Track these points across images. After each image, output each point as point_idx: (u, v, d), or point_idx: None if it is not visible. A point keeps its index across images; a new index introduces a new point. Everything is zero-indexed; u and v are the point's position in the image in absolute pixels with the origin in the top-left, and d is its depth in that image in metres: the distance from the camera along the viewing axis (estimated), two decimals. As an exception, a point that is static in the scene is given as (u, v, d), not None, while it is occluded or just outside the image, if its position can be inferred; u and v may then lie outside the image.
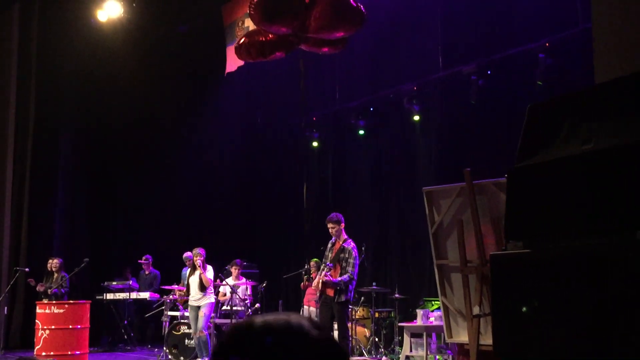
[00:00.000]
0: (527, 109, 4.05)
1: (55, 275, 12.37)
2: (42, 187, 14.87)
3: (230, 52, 13.95)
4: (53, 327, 9.30)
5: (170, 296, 11.70)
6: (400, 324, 9.63)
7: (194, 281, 10.59)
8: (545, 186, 3.73)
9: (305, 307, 12.36)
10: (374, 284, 10.70)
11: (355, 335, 10.57)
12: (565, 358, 3.59)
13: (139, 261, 14.64)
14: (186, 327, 11.09)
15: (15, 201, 14.71)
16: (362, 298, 11.33)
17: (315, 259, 12.96)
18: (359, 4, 6.11)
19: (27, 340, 14.05)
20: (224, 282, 11.58)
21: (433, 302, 10.96)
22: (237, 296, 11.24)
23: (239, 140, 17.11)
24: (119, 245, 15.82)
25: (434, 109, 12.90)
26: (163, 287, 12.72)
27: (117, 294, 14.03)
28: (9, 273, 14.32)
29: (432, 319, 7.96)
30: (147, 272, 14.70)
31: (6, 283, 14.25)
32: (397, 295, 11.02)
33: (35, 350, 9.46)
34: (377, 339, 10.80)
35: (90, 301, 10.68)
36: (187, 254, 11.76)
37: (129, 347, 13.63)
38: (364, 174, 14.34)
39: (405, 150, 13.51)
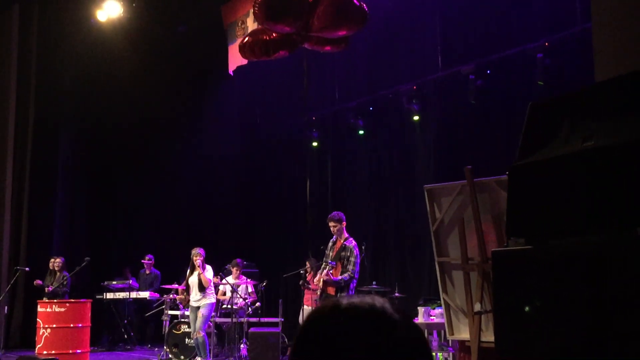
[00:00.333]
0: (528, 107, 4.09)
1: (57, 274, 12.40)
2: (42, 186, 14.91)
3: (231, 52, 14.00)
4: (54, 325, 9.32)
5: (171, 295, 11.72)
6: None
7: (193, 281, 10.59)
8: (546, 183, 3.76)
9: (306, 307, 12.41)
10: (374, 282, 10.72)
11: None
12: (566, 355, 3.63)
13: (143, 261, 14.67)
14: (186, 326, 11.12)
15: (15, 201, 14.75)
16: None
17: (309, 261, 13.03)
18: (362, 3, 6.16)
19: (26, 339, 14.09)
20: (223, 281, 11.61)
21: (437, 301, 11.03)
22: (238, 295, 11.26)
23: (238, 140, 17.15)
24: (118, 245, 15.87)
25: (433, 108, 12.92)
26: (163, 286, 12.74)
27: (117, 294, 14.07)
28: (9, 273, 14.36)
29: (433, 316, 7.99)
30: (147, 272, 14.73)
31: (6, 282, 14.29)
32: (396, 294, 11.05)
33: (36, 349, 9.48)
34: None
35: (91, 300, 10.71)
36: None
37: (128, 347, 13.68)
38: (363, 173, 14.36)
39: (404, 150, 13.53)
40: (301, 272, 12.75)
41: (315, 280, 8.97)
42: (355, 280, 8.89)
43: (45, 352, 9.17)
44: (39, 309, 9.66)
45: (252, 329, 10.73)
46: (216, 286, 12.34)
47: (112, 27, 14.40)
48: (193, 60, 15.98)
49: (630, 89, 3.57)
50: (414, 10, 13.02)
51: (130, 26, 14.46)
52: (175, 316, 11.64)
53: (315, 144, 15.23)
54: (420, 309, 8.07)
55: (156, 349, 13.39)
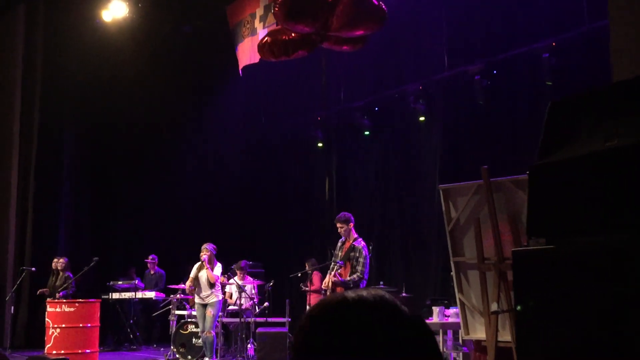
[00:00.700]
0: (547, 106, 4.08)
1: (61, 274, 12.42)
2: (47, 187, 14.92)
3: (238, 54, 13.98)
4: (64, 325, 9.33)
5: (178, 295, 11.72)
6: None
7: (202, 277, 10.53)
8: (568, 183, 3.76)
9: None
10: (381, 282, 10.73)
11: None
12: (588, 355, 3.62)
13: (146, 261, 14.69)
14: (193, 326, 11.11)
15: (20, 201, 14.75)
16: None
17: (308, 262, 13.04)
18: (381, 2, 6.17)
19: (32, 339, 14.10)
20: (231, 281, 11.61)
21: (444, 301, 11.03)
22: (245, 294, 11.25)
23: (242, 140, 17.15)
24: (123, 245, 15.87)
25: (438, 108, 12.93)
26: (170, 286, 12.74)
27: (122, 294, 14.06)
28: (14, 273, 14.38)
29: (448, 316, 7.99)
30: (152, 272, 14.74)
31: (11, 283, 14.30)
32: (404, 294, 11.06)
33: (45, 348, 9.49)
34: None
35: (100, 300, 10.72)
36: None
37: (134, 347, 13.67)
38: (369, 173, 14.36)
39: (410, 150, 13.53)
40: (299, 274, 12.81)
41: (324, 282, 8.95)
42: (364, 281, 8.89)
43: (54, 352, 9.18)
44: (49, 309, 9.67)
45: (259, 329, 10.73)
46: (222, 286, 12.35)
47: (117, 27, 14.40)
48: (198, 60, 16.00)
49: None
50: (420, 10, 13.02)
51: (135, 26, 14.47)
52: (182, 316, 11.64)
53: (320, 144, 15.23)
54: (435, 309, 8.07)
55: (162, 349, 13.39)
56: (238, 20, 13.71)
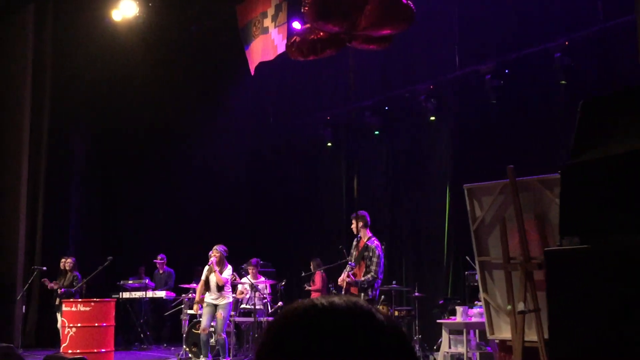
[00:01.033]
0: (580, 105, 4.06)
1: (68, 274, 12.44)
2: (57, 188, 14.94)
3: (248, 54, 13.95)
4: (79, 325, 9.34)
5: (190, 295, 11.71)
6: (438, 321, 9.66)
7: (212, 280, 10.48)
8: (602, 182, 3.74)
9: None
10: (393, 282, 10.72)
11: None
12: (623, 355, 3.61)
13: (155, 261, 14.70)
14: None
15: (31, 201, 14.75)
16: (383, 297, 11.35)
17: (313, 262, 13.07)
18: (409, 1, 6.17)
19: (42, 338, 14.13)
20: (244, 280, 11.61)
21: (457, 300, 11.02)
22: (259, 293, 11.24)
23: (251, 140, 17.15)
24: (131, 245, 15.81)
25: (449, 108, 12.91)
26: (181, 285, 12.74)
27: (133, 293, 14.06)
28: (25, 273, 14.39)
29: (471, 315, 7.97)
30: (161, 272, 14.75)
31: (22, 283, 14.31)
32: (416, 294, 11.06)
33: (61, 347, 9.50)
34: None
35: (115, 299, 10.73)
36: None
37: (144, 346, 13.67)
38: (378, 173, 14.34)
39: (421, 150, 13.52)
40: (303, 274, 12.82)
41: (339, 280, 8.95)
42: (379, 280, 8.89)
43: (70, 352, 9.18)
44: (64, 308, 9.68)
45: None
46: (235, 285, 12.34)
47: (126, 26, 14.39)
48: (206, 60, 15.99)
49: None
50: (431, 9, 12.98)
51: (144, 26, 14.46)
52: (194, 315, 11.62)
53: (329, 143, 15.22)
54: (459, 309, 8.07)
55: (172, 348, 13.41)
56: (248, 19, 13.68)
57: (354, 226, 9.05)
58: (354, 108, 14.61)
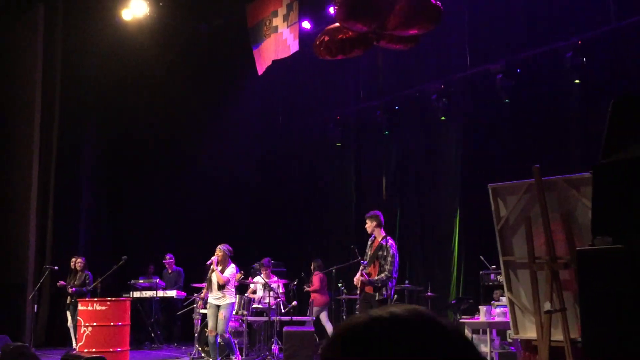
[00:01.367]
0: (610, 105, 4.06)
1: (79, 273, 12.46)
2: (67, 188, 14.96)
3: (257, 54, 13.97)
4: (95, 324, 9.37)
5: (202, 294, 11.71)
6: (461, 320, 9.67)
7: (214, 279, 10.40)
8: (634, 181, 3.75)
9: (315, 308, 12.47)
10: (406, 282, 10.73)
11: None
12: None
13: (164, 261, 14.73)
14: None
15: (41, 202, 14.78)
16: (396, 296, 11.38)
17: (314, 262, 13.10)
18: (437, 1, 6.18)
19: (52, 338, 14.17)
20: (256, 279, 11.62)
21: (470, 301, 11.03)
22: (274, 292, 11.25)
23: (260, 139, 17.16)
24: (141, 244, 15.81)
25: (460, 107, 12.91)
26: (193, 285, 12.75)
27: (143, 292, 14.08)
28: (35, 272, 14.43)
29: (494, 315, 7.98)
30: (170, 271, 14.77)
31: (32, 282, 14.35)
32: (429, 294, 11.07)
33: (77, 347, 9.53)
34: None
35: (130, 298, 10.76)
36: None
37: (155, 345, 13.68)
38: (388, 172, 14.34)
39: (431, 149, 13.50)
40: (302, 274, 12.85)
41: (355, 280, 8.97)
42: (394, 280, 8.90)
43: (86, 350, 9.21)
44: (80, 308, 9.71)
45: (286, 328, 10.73)
46: (246, 285, 12.36)
47: (137, 26, 14.41)
48: (216, 59, 16.01)
49: None
50: (442, 8, 12.98)
51: (154, 25, 14.47)
52: (206, 315, 11.61)
53: (338, 143, 15.22)
54: (482, 308, 8.07)
55: (183, 347, 13.43)
56: (259, 19, 13.71)
57: (368, 225, 9.05)
58: (364, 107, 14.63)
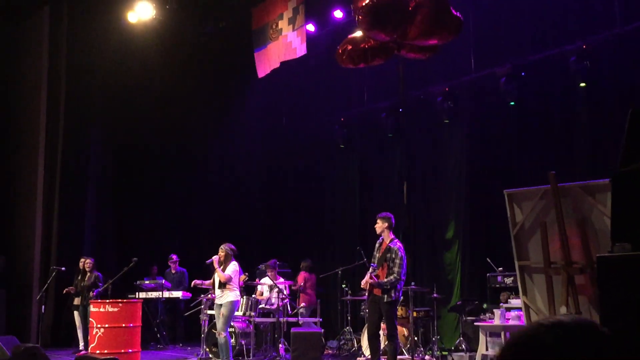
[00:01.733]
0: (629, 114, 4.15)
1: (88, 274, 12.53)
2: (73, 188, 15.01)
3: (260, 57, 14.05)
4: (107, 325, 9.45)
5: (209, 295, 11.78)
6: (476, 323, 9.76)
7: (216, 278, 10.36)
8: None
9: (303, 309, 12.57)
10: (412, 283, 10.81)
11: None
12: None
13: (169, 262, 14.80)
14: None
15: (46, 202, 14.83)
16: (401, 298, 11.46)
17: (304, 262, 13.19)
18: (458, 12, 6.28)
19: (57, 338, 14.23)
20: (263, 280, 11.70)
21: (475, 302, 11.13)
22: (282, 294, 11.32)
23: (265, 141, 17.24)
24: (146, 245, 15.87)
25: (465, 110, 12.99)
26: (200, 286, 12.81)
27: (149, 293, 14.15)
28: (41, 272, 14.49)
29: (509, 318, 8.05)
30: (173, 271, 14.83)
31: (38, 282, 14.41)
32: (435, 295, 11.16)
33: (90, 348, 9.61)
34: (415, 338, 10.95)
35: (142, 300, 10.83)
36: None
37: (160, 346, 13.74)
38: (392, 174, 14.41)
39: (435, 152, 13.57)
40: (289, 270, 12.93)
41: (362, 282, 9.04)
42: (402, 282, 8.97)
43: (98, 352, 9.29)
44: (92, 309, 9.78)
45: (293, 329, 10.81)
46: (253, 287, 12.43)
47: (142, 28, 14.49)
48: (221, 61, 16.08)
49: None
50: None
51: (160, 28, 14.54)
52: (214, 316, 11.69)
53: (342, 145, 15.29)
54: (497, 311, 8.15)
55: (189, 347, 13.51)
56: (264, 22, 13.80)
57: (378, 226, 9.09)
58: (369, 109, 14.70)
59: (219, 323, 10.04)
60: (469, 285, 12.43)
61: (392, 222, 9.14)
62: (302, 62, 13.93)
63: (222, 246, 10.42)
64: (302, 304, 12.06)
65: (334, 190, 15.83)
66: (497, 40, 12.35)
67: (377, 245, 9.23)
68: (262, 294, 12.23)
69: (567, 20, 11.46)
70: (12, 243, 15.13)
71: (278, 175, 17.12)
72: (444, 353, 11.18)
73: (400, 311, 11.04)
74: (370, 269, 8.97)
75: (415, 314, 11.10)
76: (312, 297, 12.88)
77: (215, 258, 10.24)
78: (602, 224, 5.37)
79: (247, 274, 11.59)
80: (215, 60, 16.09)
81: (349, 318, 12.35)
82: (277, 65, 13.38)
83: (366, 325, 10.20)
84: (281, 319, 11.12)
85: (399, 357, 9.92)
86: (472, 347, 11.15)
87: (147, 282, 14.41)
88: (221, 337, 10.00)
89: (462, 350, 10.96)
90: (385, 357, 9.06)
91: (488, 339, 8.73)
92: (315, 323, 11.70)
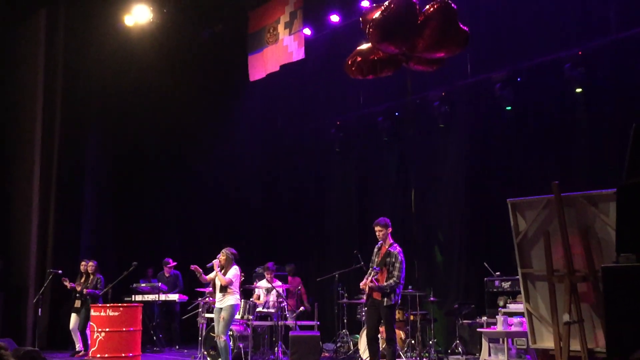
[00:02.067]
0: (633, 129, 4.24)
1: (91, 277, 12.53)
2: (68, 192, 15.02)
3: (254, 60, 14.12)
4: (108, 329, 9.49)
5: (207, 299, 11.83)
6: (479, 330, 9.84)
7: (217, 282, 10.44)
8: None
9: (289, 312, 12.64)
10: (409, 287, 10.89)
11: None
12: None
13: (165, 266, 14.84)
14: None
15: (42, 205, 14.85)
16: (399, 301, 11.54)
17: (287, 266, 13.26)
18: (465, 27, 6.37)
19: (53, 341, 14.23)
20: (260, 283, 11.74)
21: (472, 305, 11.22)
22: (282, 297, 11.37)
23: (262, 145, 17.28)
24: (144, 248, 15.89)
25: (461, 115, 13.07)
26: (197, 289, 12.86)
27: (145, 296, 14.18)
28: (36, 275, 14.49)
29: (511, 325, 8.15)
30: (167, 275, 14.84)
31: (34, 285, 14.42)
32: (432, 299, 11.25)
33: (90, 352, 9.64)
34: (412, 341, 11.03)
35: (142, 304, 10.86)
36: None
37: (156, 349, 13.76)
38: (389, 179, 14.47)
39: (432, 156, 13.61)
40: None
41: (361, 285, 9.10)
42: (401, 286, 9.03)
43: (99, 356, 9.34)
44: (93, 313, 9.80)
45: (292, 333, 10.86)
46: (250, 290, 12.47)
47: (139, 31, 14.52)
48: (218, 64, 16.12)
49: None
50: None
51: (157, 31, 14.58)
52: (212, 319, 11.73)
53: (338, 149, 15.35)
54: (500, 318, 8.25)
55: (185, 350, 13.55)
56: (261, 26, 13.87)
57: (382, 232, 9.12)
58: (365, 113, 14.76)
59: (220, 326, 10.00)
60: (466, 290, 12.50)
61: (390, 226, 9.21)
62: (298, 66, 13.99)
63: (223, 250, 10.42)
64: (302, 308, 12.10)
65: (331, 193, 15.88)
66: (494, 46, 12.41)
67: (375, 249, 9.27)
68: (259, 297, 12.27)
69: (564, 26, 11.54)
70: (8, 245, 15.13)
71: (275, 178, 17.17)
72: (440, 356, 11.26)
73: (397, 314, 11.12)
74: (373, 272, 9.00)
75: (412, 317, 11.20)
76: (293, 301, 12.91)
77: (216, 262, 10.25)
78: (605, 233, 5.46)
79: (243, 274, 11.62)
80: (212, 64, 16.12)
81: (345, 321, 12.41)
82: (276, 68, 13.47)
83: (363, 328, 10.26)
84: (279, 323, 11.18)
85: (396, 360, 10.00)
86: (468, 350, 11.26)
87: (143, 285, 14.43)
88: (221, 340, 9.97)
89: (458, 353, 11.07)
90: (384, 360, 9.12)
91: (491, 344, 8.81)
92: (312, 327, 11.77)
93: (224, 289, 10.02)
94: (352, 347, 11.94)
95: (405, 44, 6.07)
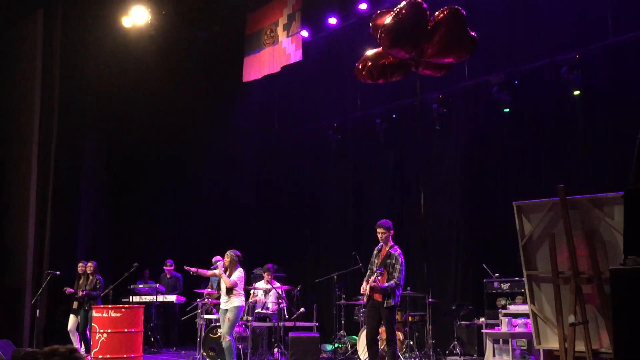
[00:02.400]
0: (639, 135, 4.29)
1: (90, 277, 12.55)
2: (66, 192, 14.96)
3: (250, 61, 14.16)
4: (110, 330, 9.51)
5: (206, 300, 11.87)
6: (483, 331, 9.90)
7: (222, 284, 10.51)
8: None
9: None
10: (408, 288, 10.94)
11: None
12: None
13: (165, 268, 14.86)
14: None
15: (39, 206, 14.80)
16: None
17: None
18: (473, 32, 6.44)
19: (51, 342, 14.09)
20: (257, 284, 11.78)
21: (470, 307, 11.26)
22: (281, 299, 11.40)
23: (259, 146, 17.33)
24: (141, 249, 15.89)
25: (458, 117, 13.14)
26: (196, 290, 12.91)
27: (143, 297, 14.19)
28: (33, 277, 14.47)
29: (516, 326, 8.21)
30: (168, 276, 14.88)
31: (30, 286, 14.40)
32: (430, 300, 11.30)
33: (92, 352, 9.66)
34: (411, 342, 11.09)
35: (144, 305, 10.89)
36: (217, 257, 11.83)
37: (154, 350, 13.80)
38: (385, 180, 14.53)
39: (429, 158, 13.65)
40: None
41: (362, 287, 9.15)
42: (401, 288, 9.09)
43: (100, 357, 9.37)
44: (95, 314, 9.83)
45: (291, 334, 10.90)
46: (247, 291, 12.50)
47: (136, 33, 14.52)
48: (215, 65, 16.15)
49: None
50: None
51: (154, 33, 14.58)
52: (211, 320, 11.78)
53: (336, 150, 15.38)
54: (504, 319, 8.31)
55: (183, 351, 13.58)
56: (259, 28, 13.91)
57: (385, 235, 9.17)
58: (362, 115, 14.81)
59: (225, 327, 10.13)
60: (464, 291, 12.56)
61: (392, 227, 9.27)
62: (295, 68, 14.03)
63: (227, 252, 10.52)
64: (302, 309, 12.12)
65: (328, 195, 15.91)
66: (491, 49, 12.47)
67: (375, 251, 9.32)
68: (256, 295, 12.31)
69: (561, 29, 11.62)
70: (5, 246, 15.11)
71: (272, 179, 17.20)
72: (438, 357, 11.32)
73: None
74: (376, 273, 9.03)
75: (410, 318, 11.26)
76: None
77: (220, 264, 10.35)
78: (610, 235, 5.53)
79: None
80: (209, 65, 16.16)
81: (343, 322, 12.45)
82: (276, 70, 13.51)
83: (362, 329, 10.30)
84: (278, 323, 11.23)
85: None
86: (466, 351, 11.33)
87: (140, 286, 14.45)
88: (226, 341, 10.10)
89: (457, 354, 11.13)
90: (384, 361, 9.18)
91: (495, 345, 8.87)
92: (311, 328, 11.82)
93: (229, 290, 10.15)
94: (349, 348, 11.99)
95: (415, 49, 6.14)
